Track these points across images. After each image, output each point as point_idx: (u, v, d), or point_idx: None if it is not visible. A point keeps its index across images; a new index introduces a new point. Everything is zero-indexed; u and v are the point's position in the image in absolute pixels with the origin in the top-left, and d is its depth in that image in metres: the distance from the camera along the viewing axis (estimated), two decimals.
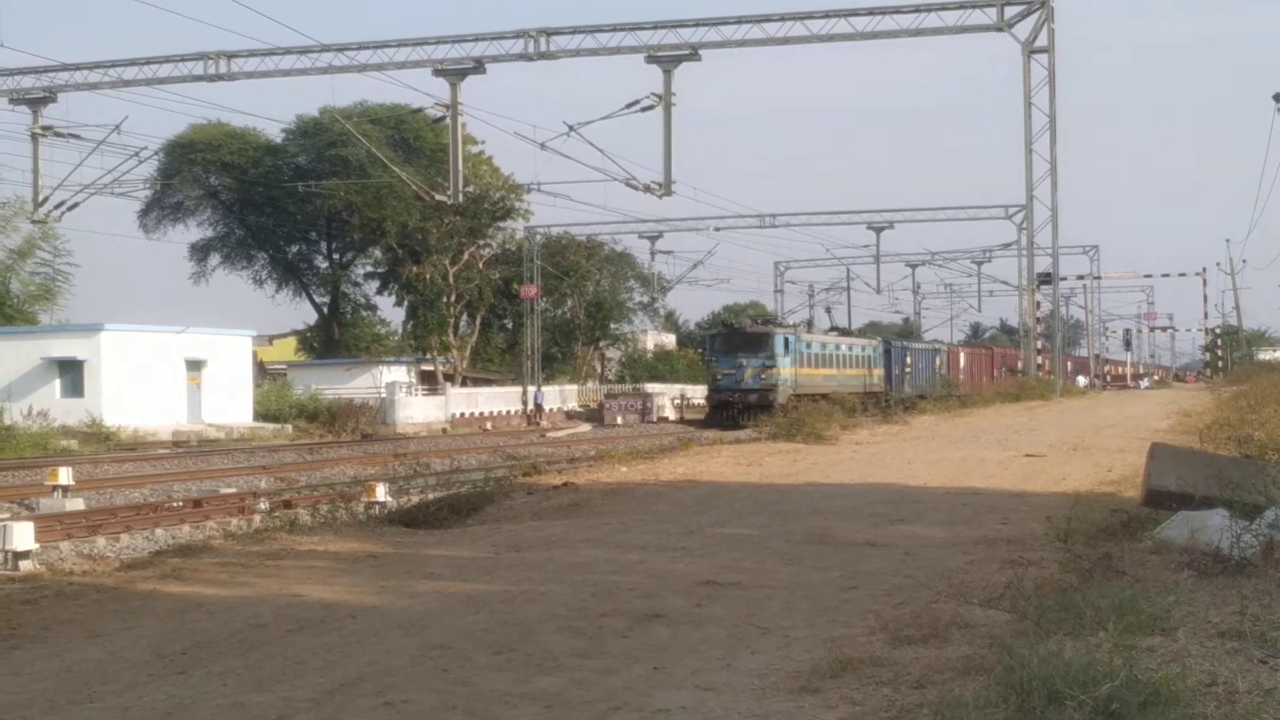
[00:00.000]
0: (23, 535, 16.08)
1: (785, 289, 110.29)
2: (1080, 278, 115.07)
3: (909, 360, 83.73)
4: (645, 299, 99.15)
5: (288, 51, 39.74)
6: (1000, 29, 44.74)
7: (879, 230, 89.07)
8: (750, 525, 16.89)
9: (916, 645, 9.45)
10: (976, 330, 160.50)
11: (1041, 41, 47.95)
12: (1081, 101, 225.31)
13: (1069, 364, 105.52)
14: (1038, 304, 69.63)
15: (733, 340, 65.43)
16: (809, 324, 77.38)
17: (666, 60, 39.20)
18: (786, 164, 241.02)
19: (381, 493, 23.39)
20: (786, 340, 65.01)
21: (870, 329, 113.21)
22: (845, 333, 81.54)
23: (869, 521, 16.89)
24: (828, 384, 67.12)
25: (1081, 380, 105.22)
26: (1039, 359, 70.06)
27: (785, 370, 63.98)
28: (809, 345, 68.44)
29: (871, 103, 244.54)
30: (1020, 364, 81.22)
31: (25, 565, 15.69)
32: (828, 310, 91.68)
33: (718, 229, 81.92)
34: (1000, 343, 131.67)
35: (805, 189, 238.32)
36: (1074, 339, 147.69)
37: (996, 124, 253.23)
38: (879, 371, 78.20)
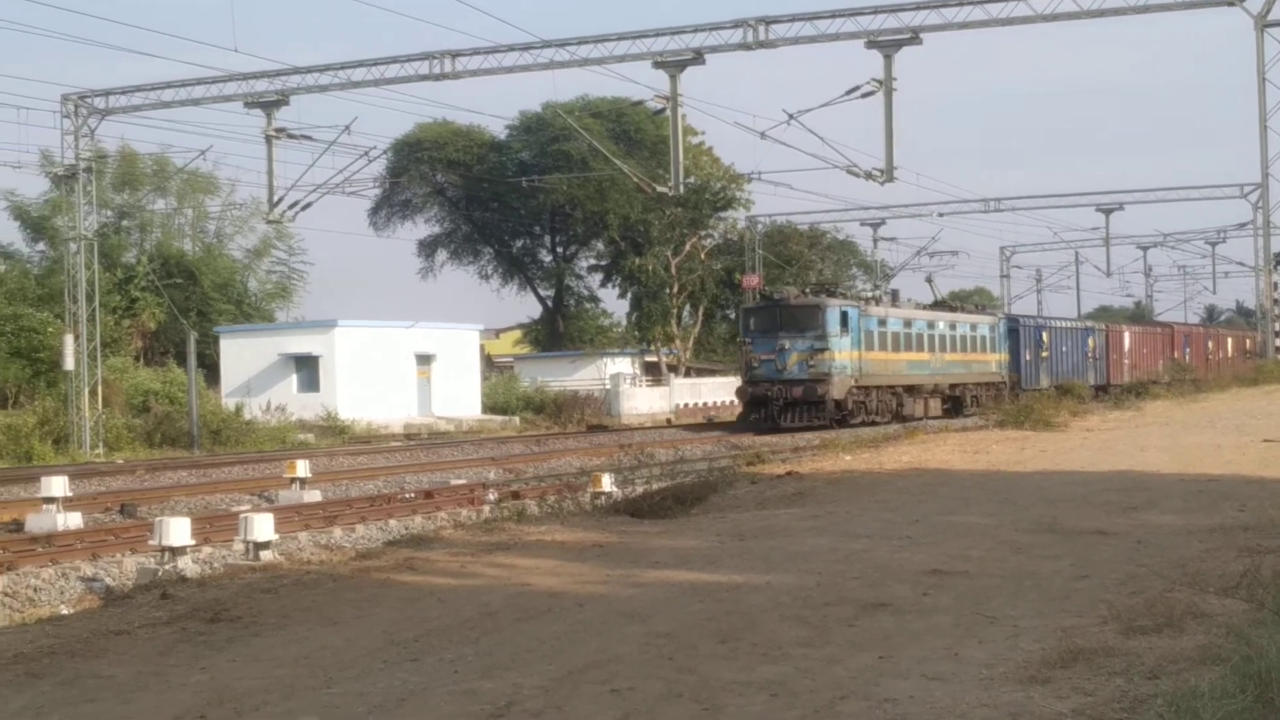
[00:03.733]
0: (263, 526, 16.56)
1: (1011, 274, 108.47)
2: None
3: (1046, 342, 68.74)
4: (868, 287, 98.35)
5: (510, 49, 40.24)
6: (1231, 3, 43.39)
7: (1108, 212, 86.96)
8: (977, 513, 16.66)
9: (1150, 635, 9.24)
10: (1211, 313, 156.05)
11: (1275, 15, 46.39)
12: None
13: None
14: (1275, 284, 67.35)
15: (772, 316, 49.77)
16: (893, 296, 61.39)
17: (887, 45, 38.82)
18: (1011, 147, 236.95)
19: (607, 483, 23.57)
20: (845, 315, 49.65)
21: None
22: (948, 307, 64.19)
23: (1100, 509, 16.54)
24: (913, 373, 54.53)
25: None
26: (1278, 341, 67.74)
27: (843, 354, 49.13)
28: (882, 322, 52.70)
29: (1097, 84, 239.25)
30: (1253, 346, 77.54)
31: (265, 555, 16.17)
32: (928, 280, 74.07)
33: (941, 214, 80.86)
34: (1237, 325, 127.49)
35: (1031, 172, 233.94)
36: None
37: (1230, 101, 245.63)
38: (999, 357, 63.21)
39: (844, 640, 9.56)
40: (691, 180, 68.96)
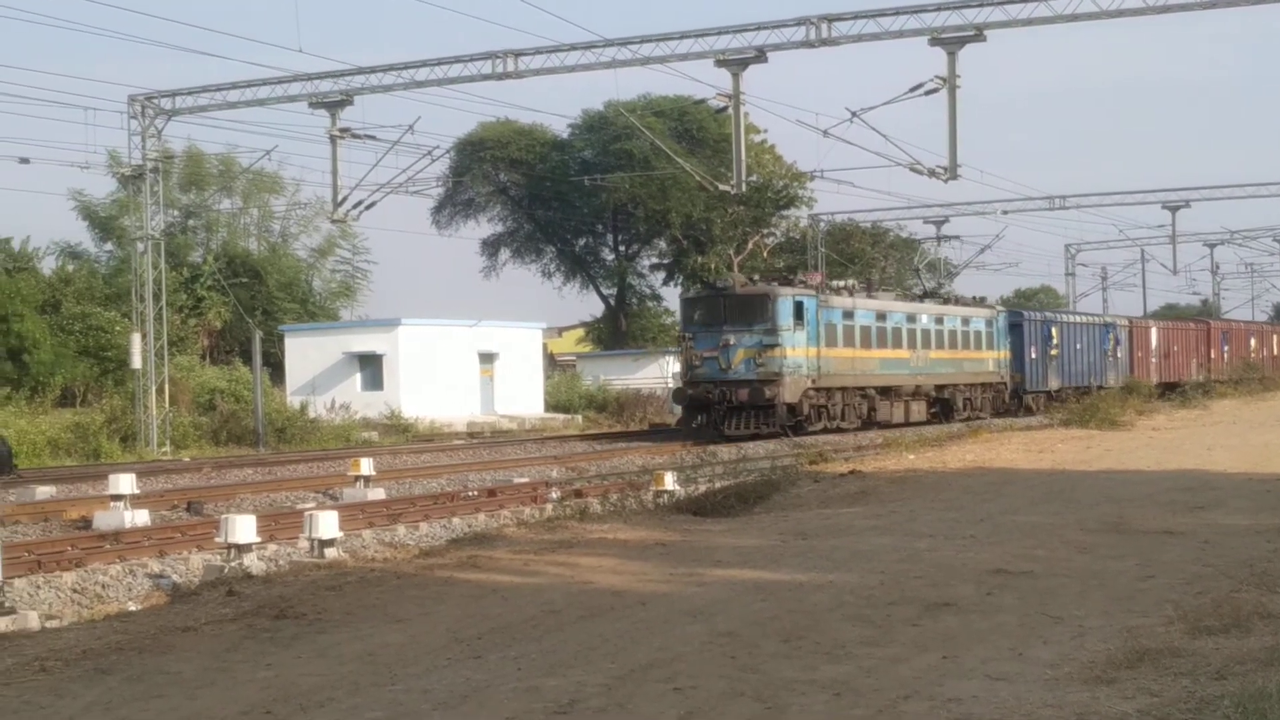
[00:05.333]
0: (328, 524, 16.65)
1: (1077, 271, 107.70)
2: None
3: (1055, 339, 61.54)
4: (931, 285, 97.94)
5: (573, 48, 40.26)
6: None
7: (1174, 209, 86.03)
8: (1042, 513, 16.58)
9: (1217, 635, 9.18)
10: None
11: None
12: None
13: None
14: None
15: (715, 307, 43.19)
16: (867, 285, 54.66)
17: (950, 42, 38.58)
18: (1075, 144, 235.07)
19: (669, 481, 23.58)
20: (799, 306, 43.11)
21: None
22: (940, 299, 57.58)
23: (1166, 509, 16.43)
24: (888, 372, 48.11)
25: None
26: None
27: (797, 351, 42.68)
28: (848, 314, 46.29)
29: (1162, 79, 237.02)
30: None
31: (330, 553, 16.26)
32: (918, 269, 67.23)
33: (1005, 212, 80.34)
34: None
35: (1096, 169, 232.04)
36: None
37: None
38: (997, 355, 56.57)
39: (907, 640, 9.54)
40: (754, 178, 68.88)
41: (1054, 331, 61.27)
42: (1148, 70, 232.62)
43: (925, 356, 50.62)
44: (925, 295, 56.94)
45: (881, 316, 48.51)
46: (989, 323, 56.36)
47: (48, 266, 71.09)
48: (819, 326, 43.78)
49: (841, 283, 50.28)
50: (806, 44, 39.11)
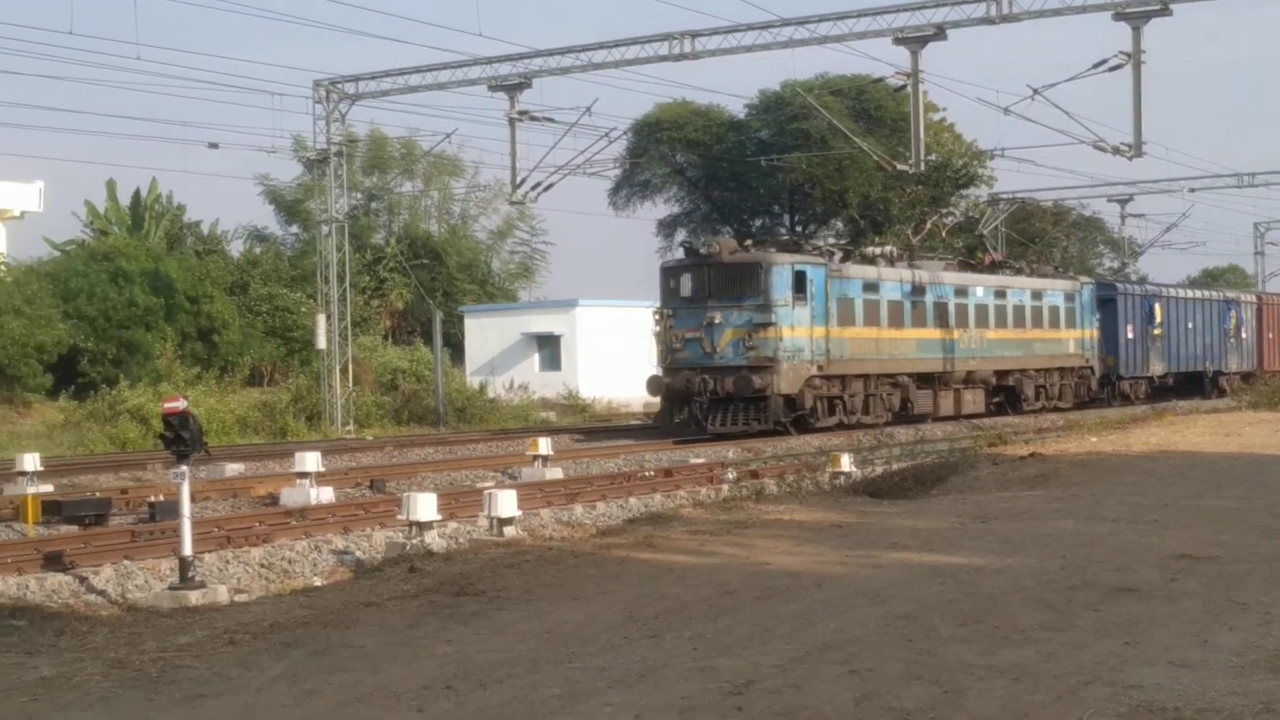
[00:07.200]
0: (507, 503, 16.85)
1: (1266, 250, 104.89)
2: None
3: (1158, 316, 53.06)
4: (1115, 264, 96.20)
5: (749, 28, 40.12)
6: None
7: None
8: (1228, 497, 16.24)
9: None
10: None
11: None
12: None
13: None
14: None
15: (700, 278, 36.37)
16: (909, 253, 47.42)
17: (1135, 16, 37.79)
18: (1264, 119, 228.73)
19: (846, 463, 23.47)
20: (800, 276, 36.22)
21: None
22: (1009, 269, 49.35)
23: None
24: (926, 355, 41.01)
25: None
26: None
27: (797, 331, 35.79)
28: (870, 287, 39.16)
29: None
30: None
31: (509, 531, 16.45)
32: (980, 235, 55.45)
33: (1192, 190, 78.60)
34: None
35: None
36: None
37: None
38: (1080, 334, 48.59)
39: (1088, 625, 9.41)
40: (932, 157, 68.08)
41: (1156, 308, 53.61)
42: None
43: (980, 336, 43.52)
44: (996, 267, 48.98)
45: (918, 289, 41.19)
46: (1069, 297, 48.68)
47: (236, 249, 72.88)
48: (828, 301, 36.86)
49: (877, 249, 44.86)
50: (987, 20, 38.56)
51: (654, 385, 37.27)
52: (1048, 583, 10.87)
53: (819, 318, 36.40)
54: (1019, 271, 48.83)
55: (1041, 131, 51.36)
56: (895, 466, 24.02)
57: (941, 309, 41.85)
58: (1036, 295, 46.86)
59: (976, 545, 12.98)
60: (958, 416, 41.00)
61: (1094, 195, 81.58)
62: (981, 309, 43.86)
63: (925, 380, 40.69)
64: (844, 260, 39.60)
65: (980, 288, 44.29)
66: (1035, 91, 39.76)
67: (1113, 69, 37.98)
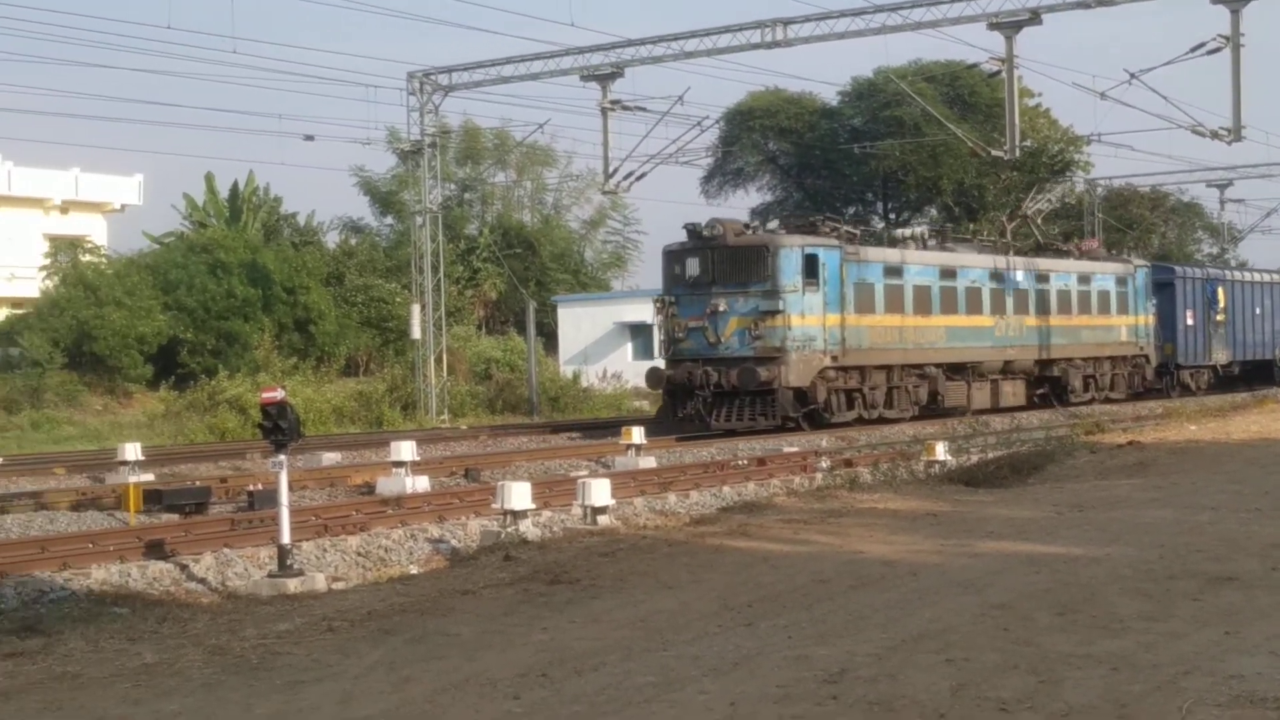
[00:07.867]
0: (600, 491, 16.89)
1: None
2: None
3: (1221, 301, 49.73)
4: (1215, 250, 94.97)
5: (842, 14, 39.95)
6: None
7: None
8: None
9: None
10: None
11: None
12: None
13: None
14: None
15: (704, 262, 33.94)
16: (942, 234, 42.94)
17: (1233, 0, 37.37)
18: None
19: (941, 451, 23.34)
20: (812, 259, 33.71)
21: None
22: (1054, 252, 46.58)
23: None
24: (957, 344, 38.12)
25: None
26: None
27: (808, 319, 33.42)
28: (892, 271, 36.50)
29: None
30: None
31: (603, 520, 16.50)
32: (1024, 215, 52.09)
33: None
34: None
35: None
36: None
37: None
38: (1134, 320, 45.39)
39: (1187, 615, 9.31)
40: (1028, 143, 67.52)
41: (1220, 292, 50.13)
42: None
43: (1019, 324, 40.52)
44: (1039, 249, 46.25)
45: (948, 273, 38.54)
46: (1121, 281, 45.46)
47: (331, 240, 73.47)
48: (843, 287, 34.26)
49: (907, 230, 42.32)
50: (1083, 4, 38.15)
51: (654, 378, 35.14)
52: (1146, 572, 10.77)
53: (833, 304, 33.94)
54: (1065, 254, 46.30)
55: (1139, 116, 50.79)
56: (990, 455, 23.85)
57: (974, 294, 39.27)
58: (1084, 279, 44.18)
59: (1074, 534, 12.88)
60: (995, 410, 38.59)
61: (1192, 180, 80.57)
62: (1020, 294, 41.04)
63: (957, 371, 38.16)
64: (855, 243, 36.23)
65: (1018, 271, 41.34)
66: (1132, 76, 39.27)
67: (1211, 52, 37.45)
